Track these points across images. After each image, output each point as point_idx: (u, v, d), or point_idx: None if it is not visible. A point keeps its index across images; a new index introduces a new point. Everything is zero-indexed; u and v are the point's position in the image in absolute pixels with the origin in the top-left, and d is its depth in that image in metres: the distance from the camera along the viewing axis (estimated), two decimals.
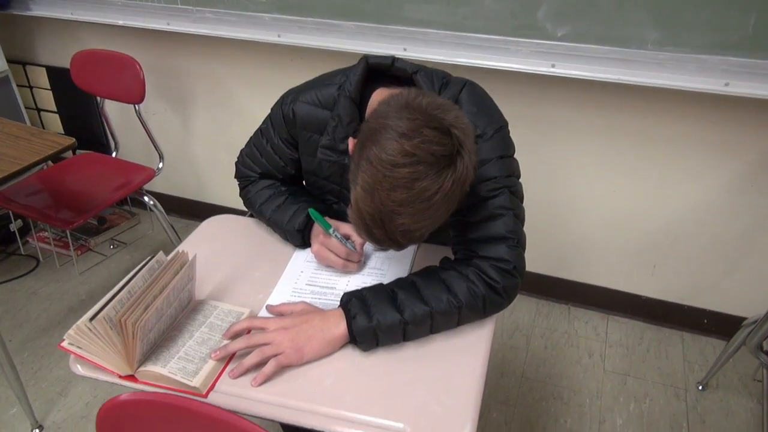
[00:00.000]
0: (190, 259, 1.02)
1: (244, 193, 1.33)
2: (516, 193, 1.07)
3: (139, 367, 0.94)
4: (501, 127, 1.08)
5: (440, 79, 1.10)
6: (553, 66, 1.75)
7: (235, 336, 0.99)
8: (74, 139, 1.67)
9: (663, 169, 1.94)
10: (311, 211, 1.12)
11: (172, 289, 0.97)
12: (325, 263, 1.17)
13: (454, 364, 0.98)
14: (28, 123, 2.69)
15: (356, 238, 1.16)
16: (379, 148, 0.84)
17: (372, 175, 0.85)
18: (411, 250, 1.22)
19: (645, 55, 1.69)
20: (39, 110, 2.78)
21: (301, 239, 1.21)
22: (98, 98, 2.31)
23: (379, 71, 1.10)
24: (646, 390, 2.00)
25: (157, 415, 0.84)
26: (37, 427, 1.85)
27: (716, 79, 1.63)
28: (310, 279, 1.16)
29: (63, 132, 2.82)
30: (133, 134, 2.58)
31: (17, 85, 2.64)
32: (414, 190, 0.83)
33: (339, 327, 0.98)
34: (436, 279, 1.03)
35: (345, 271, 1.16)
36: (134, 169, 2.22)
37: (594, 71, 1.72)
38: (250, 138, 1.30)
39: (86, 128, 2.69)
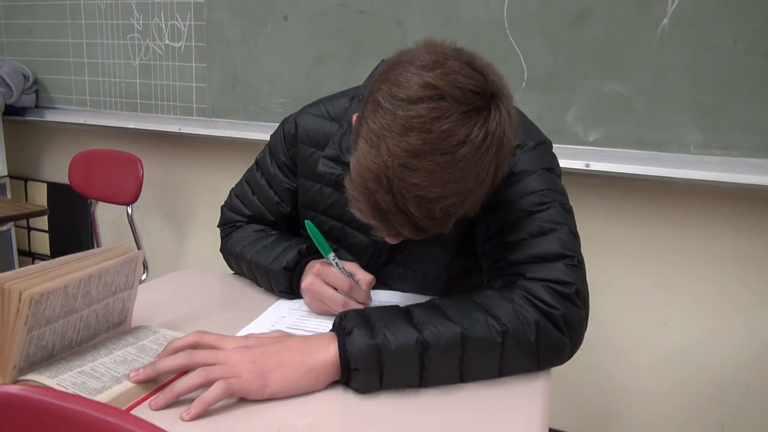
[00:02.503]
0: (134, 254, 0.75)
1: (225, 242, 1.08)
2: (569, 212, 0.83)
3: (18, 376, 0.62)
4: (543, 141, 0.89)
5: None
6: (587, 165, 1.59)
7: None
8: (46, 207, 1.47)
9: (724, 295, 1.65)
10: (308, 223, 0.86)
11: (97, 278, 0.68)
12: (318, 306, 0.87)
13: (496, 416, 0.64)
14: (14, 241, 2.51)
15: (362, 276, 0.88)
16: (390, 85, 0.65)
17: (379, 119, 0.65)
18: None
19: (688, 159, 1.54)
20: (30, 229, 2.62)
21: (288, 282, 0.92)
22: (91, 202, 2.16)
23: None
24: None
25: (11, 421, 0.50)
26: None
27: None
28: (294, 323, 0.86)
29: (49, 251, 2.63)
30: None
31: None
32: (433, 133, 0.62)
33: (327, 350, 0.67)
34: (467, 300, 0.74)
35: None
36: None
37: (633, 170, 1.55)
38: (243, 175, 1.10)
39: (75, 247, 2.50)
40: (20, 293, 0.59)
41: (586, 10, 1.58)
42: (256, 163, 1.07)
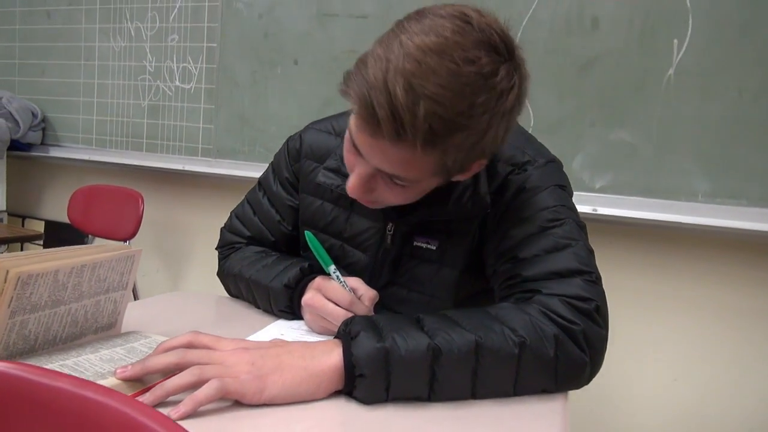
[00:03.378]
0: (131, 251, 0.71)
1: (222, 263, 1.04)
2: (583, 228, 0.80)
3: None
4: (554, 160, 0.86)
5: None
6: (594, 210, 1.57)
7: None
8: (42, 232, 1.43)
9: (739, 350, 1.59)
10: (308, 234, 0.83)
11: (90, 270, 0.64)
12: (318, 323, 0.82)
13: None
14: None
15: (365, 291, 0.83)
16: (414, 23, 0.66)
17: (404, 24, 0.65)
18: None
19: (697, 208, 1.52)
20: None
21: (289, 300, 0.87)
22: (88, 239, 2.12)
23: None
24: None
25: None
26: None
27: None
28: (295, 340, 0.81)
29: None
30: None
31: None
32: (448, 41, 0.62)
33: (330, 355, 0.62)
34: (481, 311, 0.69)
35: None
36: None
37: (641, 214, 1.54)
38: (245, 196, 1.07)
39: None
40: (7, 271, 0.55)
41: (593, 59, 1.61)
42: (259, 183, 1.05)
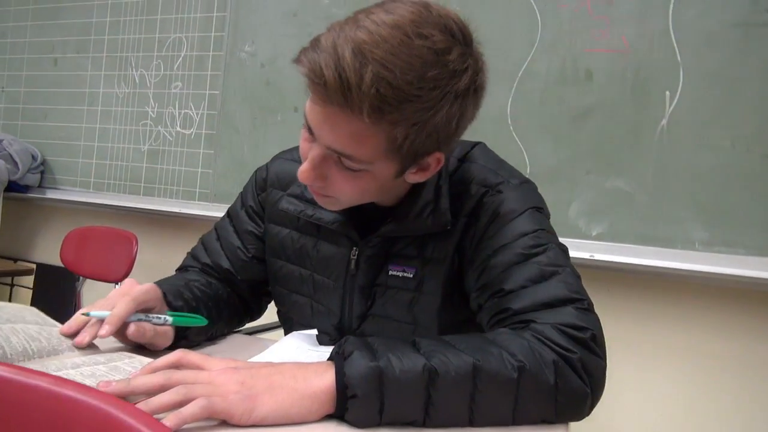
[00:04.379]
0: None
1: None
2: (566, 252, 0.79)
3: None
4: (528, 182, 0.85)
5: None
6: (591, 256, 1.56)
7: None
8: (34, 265, 1.41)
9: (741, 403, 1.55)
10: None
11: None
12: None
13: None
14: None
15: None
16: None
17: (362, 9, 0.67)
18: None
19: (694, 256, 1.52)
20: None
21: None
22: (78, 282, 2.09)
23: None
24: None
25: None
26: None
27: None
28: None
29: None
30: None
31: None
32: (404, 18, 0.63)
33: (323, 377, 0.60)
34: (477, 336, 0.67)
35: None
36: None
37: (639, 261, 1.53)
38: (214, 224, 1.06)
39: None
40: None
41: (587, 109, 1.64)
42: (227, 212, 1.04)
